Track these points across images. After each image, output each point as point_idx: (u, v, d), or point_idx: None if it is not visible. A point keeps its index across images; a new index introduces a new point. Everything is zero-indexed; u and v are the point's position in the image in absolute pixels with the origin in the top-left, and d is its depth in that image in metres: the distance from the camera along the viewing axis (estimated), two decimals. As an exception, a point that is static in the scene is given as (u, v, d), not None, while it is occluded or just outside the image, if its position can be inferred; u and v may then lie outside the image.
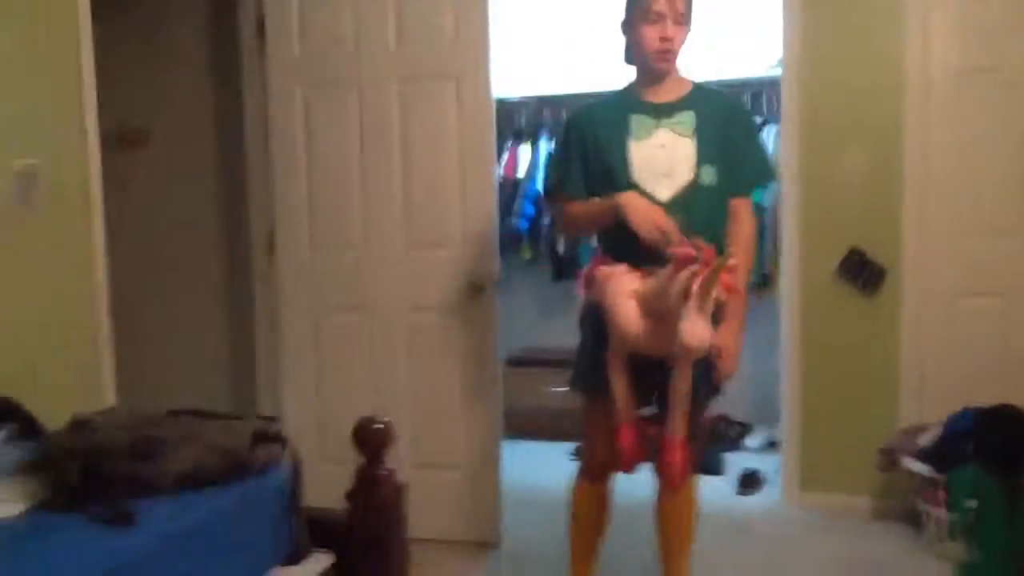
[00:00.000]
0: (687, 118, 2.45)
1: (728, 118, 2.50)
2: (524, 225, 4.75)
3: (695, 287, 2.05)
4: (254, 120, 3.48)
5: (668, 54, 2.43)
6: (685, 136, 2.43)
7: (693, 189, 2.41)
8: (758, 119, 4.39)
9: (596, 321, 2.47)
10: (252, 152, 3.51)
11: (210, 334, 3.74)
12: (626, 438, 2.42)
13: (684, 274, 2.08)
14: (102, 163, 2.63)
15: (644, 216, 2.31)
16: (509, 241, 4.69)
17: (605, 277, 2.41)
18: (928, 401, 3.47)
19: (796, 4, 3.51)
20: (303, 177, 3.42)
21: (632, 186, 2.41)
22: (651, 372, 2.38)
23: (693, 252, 2.10)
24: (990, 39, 3.35)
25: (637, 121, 2.46)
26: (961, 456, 3.16)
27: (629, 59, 2.54)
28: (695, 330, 2.07)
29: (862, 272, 3.54)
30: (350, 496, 2.01)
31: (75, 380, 2.56)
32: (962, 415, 3.28)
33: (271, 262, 3.52)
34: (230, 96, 3.54)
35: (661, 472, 2.51)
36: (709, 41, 4.23)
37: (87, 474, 1.61)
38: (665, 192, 2.40)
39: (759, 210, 4.28)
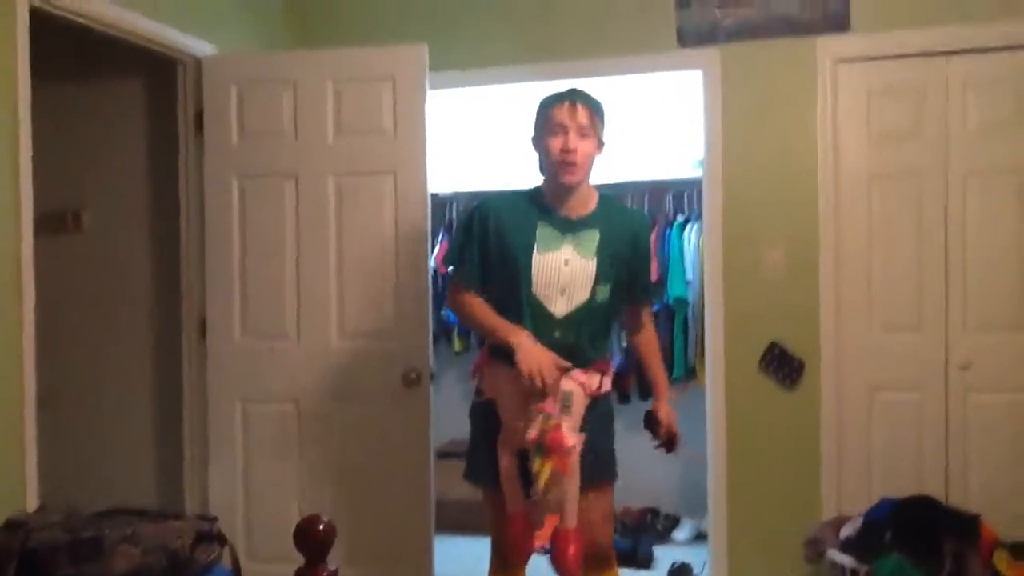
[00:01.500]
0: (591, 237, 2.54)
1: (631, 241, 2.62)
2: (453, 317, 4.79)
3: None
4: (189, 206, 3.47)
5: (571, 166, 2.48)
6: (587, 257, 2.52)
7: (587, 306, 2.52)
8: (681, 217, 4.58)
9: (486, 412, 2.59)
10: (186, 238, 3.47)
11: (137, 422, 3.63)
12: (515, 526, 2.47)
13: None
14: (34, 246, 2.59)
15: (532, 364, 2.39)
16: (440, 333, 4.72)
17: (493, 374, 2.55)
18: (848, 491, 3.56)
19: (716, 109, 3.70)
20: (236, 264, 3.40)
21: (530, 298, 2.49)
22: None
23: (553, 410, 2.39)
24: (895, 143, 3.57)
25: (544, 233, 2.53)
26: (881, 546, 3.24)
27: (541, 170, 2.63)
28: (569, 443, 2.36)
29: (782, 366, 3.66)
30: (291, 597, 1.96)
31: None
32: (880, 505, 3.37)
33: (201, 347, 3.46)
34: (166, 182, 3.53)
35: (556, 565, 2.48)
36: (633, 143, 4.45)
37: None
38: (561, 308, 2.51)
39: (682, 304, 4.45)
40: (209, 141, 3.41)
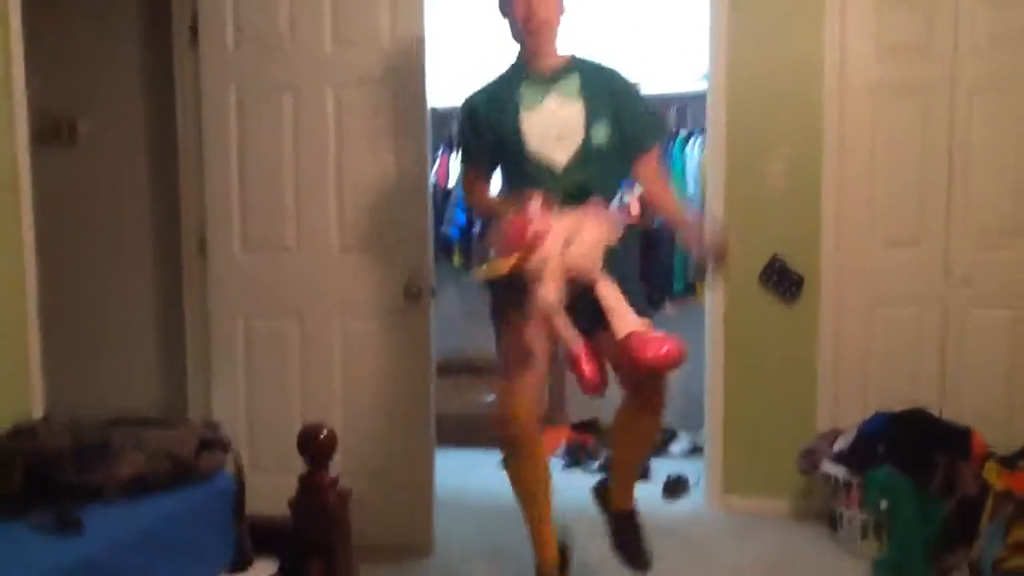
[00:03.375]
0: (573, 81, 2.61)
1: (609, 81, 2.67)
2: (455, 233, 4.78)
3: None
4: (186, 119, 3.41)
5: (534, 22, 2.58)
6: (573, 99, 2.60)
7: (585, 148, 2.57)
8: (684, 131, 4.53)
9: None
10: (184, 151, 3.44)
11: (140, 336, 3.64)
12: (585, 361, 2.45)
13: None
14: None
15: (518, 230, 2.42)
16: (440, 249, 4.71)
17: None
18: (844, 406, 3.62)
19: (721, 22, 3.63)
20: (235, 178, 3.36)
21: (531, 157, 2.57)
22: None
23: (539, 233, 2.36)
24: (902, 56, 3.52)
25: (526, 92, 2.63)
26: (874, 458, 3.30)
27: (513, 35, 2.70)
28: (545, 294, 2.36)
29: (782, 280, 3.67)
30: (294, 503, 2.00)
31: (2, 382, 2.48)
32: (874, 419, 3.44)
33: (202, 263, 3.45)
34: (162, 94, 3.47)
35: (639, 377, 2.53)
36: (637, 55, 4.36)
37: (31, 481, 1.57)
38: (562, 156, 2.57)
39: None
40: (205, 50, 3.33)
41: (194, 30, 3.35)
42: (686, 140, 4.47)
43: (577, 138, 2.57)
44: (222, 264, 3.41)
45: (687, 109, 4.58)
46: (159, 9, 3.44)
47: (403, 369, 3.34)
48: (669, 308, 4.46)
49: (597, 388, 2.52)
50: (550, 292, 2.37)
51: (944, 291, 3.54)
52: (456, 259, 4.87)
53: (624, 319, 2.43)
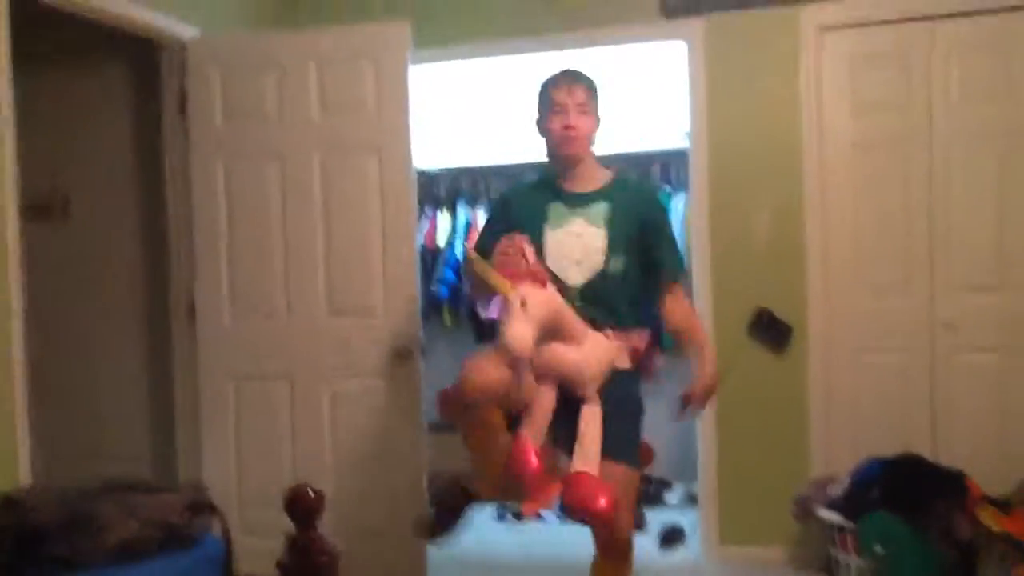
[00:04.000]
0: (601, 209, 2.61)
1: (644, 211, 2.65)
2: (444, 292, 4.82)
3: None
4: (176, 188, 3.49)
5: (571, 140, 2.60)
6: (598, 226, 2.59)
7: (602, 276, 2.56)
8: (667, 188, 4.60)
9: None
10: (173, 220, 3.50)
11: (130, 402, 3.67)
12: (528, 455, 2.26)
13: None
14: (20, 233, 2.61)
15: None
16: (430, 308, 4.75)
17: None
18: (837, 452, 3.61)
19: (700, 80, 3.72)
20: (224, 245, 3.43)
21: (546, 271, 2.46)
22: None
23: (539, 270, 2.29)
24: (878, 112, 3.60)
25: (554, 209, 2.63)
26: (869, 504, 3.30)
27: (548, 153, 2.72)
28: (515, 331, 2.12)
29: (770, 330, 3.70)
30: (283, 564, 2.01)
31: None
32: (868, 465, 3.44)
33: (191, 328, 3.49)
34: (151, 166, 3.54)
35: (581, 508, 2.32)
36: (620, 115, 4.45)
37: (20, 553, 1.58)
38: (577, 278, 2.56)
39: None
40: (194, 124, 3.42)
41: (183, 103, 3.44)
42: (670, 197, 4.55)
43: (596, 265, 2.56)
44: (211, 329, 3.45)
45: (671, 166, 4.66)
46: (148, 83, 3.53)
47: (394, 428, 3.36)
48: (659, 361, 4.47)
49: (529, 479, 2.27)
50: (523, 333, 2.13)
51: (930, 337, 3.58)
52: (446, 317, 4.90)
53: (586, 455, 2.30)
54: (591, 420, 2.35)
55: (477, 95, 4.86)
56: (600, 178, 2.68)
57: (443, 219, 4.96)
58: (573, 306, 2.45)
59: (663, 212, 2.82)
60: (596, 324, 2.50)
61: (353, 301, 3.37)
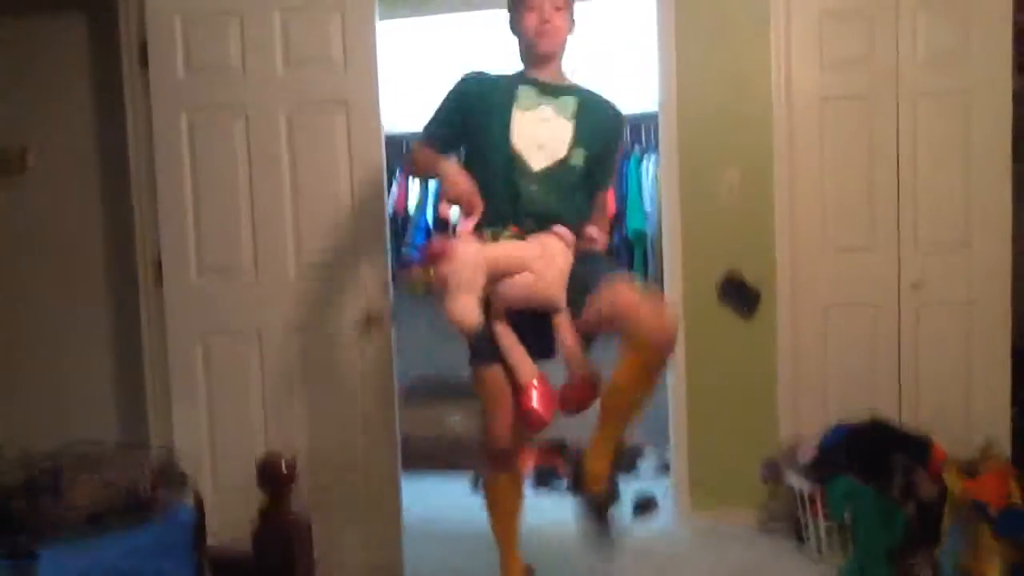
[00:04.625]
0: (570, 102, 2.66)
1: (604, 118, 2.73)
2: (415, 255, 4.77)
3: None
4: (138, 144, 3.40)
5: (547, 35, 2.61)
6: (565, 117, 2.63)
7: (563, 165, 2.61)
8: (639, 150, 4.58)
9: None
10: (136, 178, 3.42)
11: (97, 363, 3.59)
12: (534, 391, 2.45)
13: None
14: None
15: (455, 184, 2.52)
16: (401, 272, 4.69)
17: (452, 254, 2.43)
18: (806, 415, 3.63)
19: (669, 41, 3.68)
20: (189, 204, 3.35)
21: (511, 152, 2.58)
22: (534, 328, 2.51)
23: (442, 248, 2.38)
24: (846, 68, 3.59)
25: (524, 92, 2.65)
26: (836, 468, 3.32)
27: (521, 54, 2.73)
28: (453, 308, 2.31)
29: (740, 295, 3.69)
30: (255, 535, 1.96)
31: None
32: (835, 430, 3.45)
33: (157, 289, 3.41)
34: (113, 119, 3.45)
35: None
36: (593, 76, 4.40)
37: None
38: (538, 162, 2.59)
39: (641, 237, 4.46)
40: (155, 76, 3.32)
41: (143, 56, 3.34)
42: (641, 159, 4.52)
43: (558, 153, 2.61)
44: (179, 289, 3.37)
45: (641, 128, 4.63)
46: (107, 35, 3.43)
47: (366, 393, 3.32)
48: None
49: (541, 424, 2.48)
50: (466, 308, 2.32)
51: (897, 295, 3.59)
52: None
53: (576, 360, 2.49)
54: (566, 327, 2.47)
55: (448, 56, 4.79)
56: (565, 77, 2.73)
57: (413, 184, 4.89)
58: (530, 188, 2.55)
59: (620, 128, 2.89)
60: (550, 213, 2.55)
61: (322, 263, 3.31)
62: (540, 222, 2.55)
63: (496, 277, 2.43)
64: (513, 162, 2.58)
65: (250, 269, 3.34)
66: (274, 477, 1.95)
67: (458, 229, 2.50)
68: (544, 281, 2.46)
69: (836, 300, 3.65)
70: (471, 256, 2.38)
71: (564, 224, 2.57)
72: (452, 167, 2.59)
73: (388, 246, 3.36)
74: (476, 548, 3.23)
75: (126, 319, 3.53)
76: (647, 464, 4.61)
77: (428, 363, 4.89)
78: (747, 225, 3.67)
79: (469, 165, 2.66)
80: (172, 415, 3.41)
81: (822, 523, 3.34)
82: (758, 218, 3.65)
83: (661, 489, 4.12)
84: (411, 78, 4.67)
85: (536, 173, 2.58)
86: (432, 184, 4.84)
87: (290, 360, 3.34)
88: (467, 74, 2.74)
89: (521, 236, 2.52)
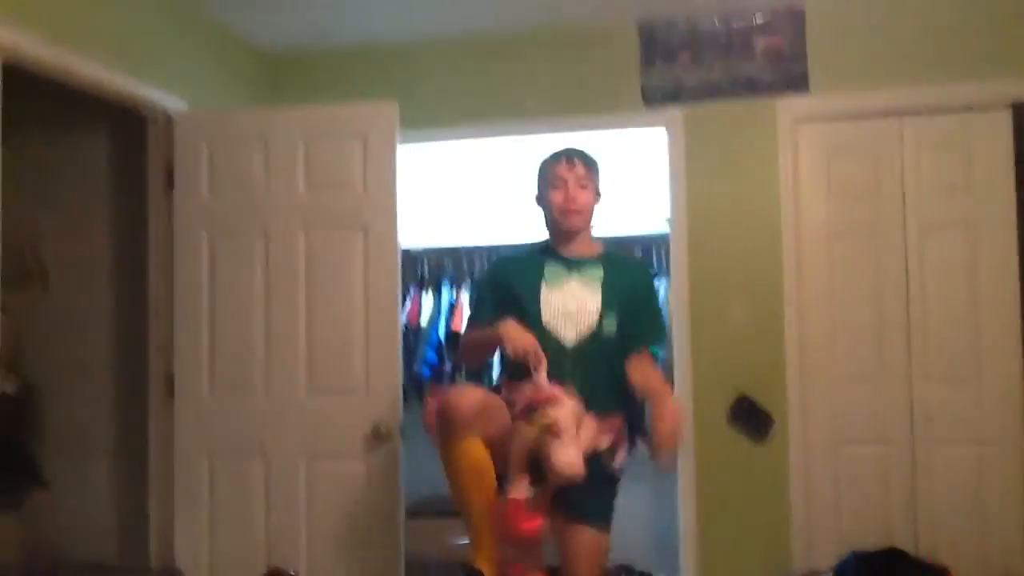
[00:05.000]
0: (597, 271, 2.68)
1: (634, 281, 2.73)
2: (427, 372, 4.78)
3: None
4: (157, 262, 3.46)
5: (573, 212, 2.66)
6: (593, 286, 2.64)
7: (596, 335, 2.59)
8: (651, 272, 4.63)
9: None
10: (154, 293, 3.46)
11: (102, 476, 3.59)
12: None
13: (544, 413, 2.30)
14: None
15: (516, 339, 2.46)
16: (411, 389, 4.69)
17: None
18: (819, 543, 3.57)
19: (679, 167, 3.78)
20: (205, 319, 3.39)
21: (542, 327, 2.56)
22: None
23: (551, 393, 2.34)
24: (854, 200, 3.67)
25: (551, 269, 2.68)
26: (852, 599, 3.25)
27: (547, 225, 2.76)
28: (565, 457, 2.24)
29: (751, 418, 3.68)
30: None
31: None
32: (849, 557, 3.39)
33: (168, 403, 3.42)
34: (131, 237, 3.53)
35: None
36: (606, 199, 4.50)
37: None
38: (571, 334, 2.58)
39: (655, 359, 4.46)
40: (180, 197, 3.42)
41: (169, 178, 3.44)
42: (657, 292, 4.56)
43: (590, 320, 2.59)
44: (190, 405, 3.39)
45: (652, 250, 4.69)
46: (133, 157, 3.52)
47: (371, 511, 3.28)
48: (640, 444, 4.43)
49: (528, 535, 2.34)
50: (575, 459, 2.25)
51: (909, 428, 3.57)
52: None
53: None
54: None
55: (461, 175, 4.91)
56: (595, 248, 2.76)
57: (426, 299, 4.94)
58: (564, 368, 2.49)
59: (651, 285, 2.89)
60: (588, 379, 2.51)
61: (334, 380, 3.33)
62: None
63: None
64: (546, 339, 2.53)
65: (261, 386, 3.35)
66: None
67: (537, 381, 2.41)
68: (579, 464, 2.31)
69: (849, 429, 3.64)
70: (575, 405, 2.38)
71: (599, 406, 2.50)
72: (510, 323, 2.52)
73: (400, 363, 3.38)
74: None
75: (135, 430, 3.51)
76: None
77: (435, 482, 4.83)
78: (757, 350, 3.68)
79: None
80: (175, 527, 3.37)
81: (837, 657, 3.23)
82: (769, 344, 3.67)
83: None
84: (425, 196, 4.78)
85: (569, 349, 2.57)
86: (445, 298, 4.89)
87: (295, 477, 3.31)
88: (496, 260, 2.89)
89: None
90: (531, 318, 2.58)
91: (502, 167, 4.77)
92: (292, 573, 1.97)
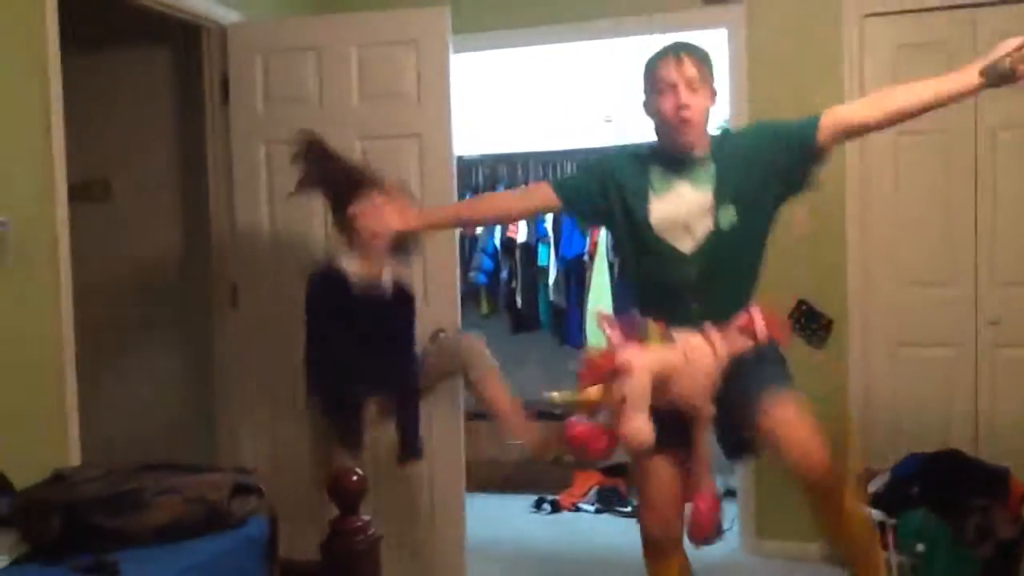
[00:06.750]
0: (707, 170, 2.39)
1: (750, 147, 2.44)
2: (483, 279, 4.83)
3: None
4: (217, 174, 3.51)
5: (687, 123, 2.35)
6: (703, 187, 2.38)
7: (714, 237, 2.36)
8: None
9: None
10: (215, 206, 3.53)
11: (171, 385, 3.72)
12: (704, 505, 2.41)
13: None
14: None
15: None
16: (468, 295, 4.75)
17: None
18: (876, 448, 3.57)
19: (742, 67, 3.68)
20: (266, 230, 3.45)
21: (654, 240, 2.40)
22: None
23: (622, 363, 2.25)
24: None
25: (658, 176, 2.44)
26: (908, 500, 3.26)
27: (657, 130, 2.48)
28: (627, 429, 2.21)
29: (810, 323, 3.66)
30: (324, 547, 2.02)
31: (42, 430, 2.54)
32: (908, 460, 3.39)
33: (233, 314, 3.51)
34: (193, 148, 3.57)
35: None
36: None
37: (68, 528, 1.61)
38: (687, 245, 2.38)
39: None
40: (235, 108, 3.44)
41: (225, 90, 3.46)
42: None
43: (705, 227, 2.36)
44: (253, 315, 3.47)
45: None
46: (190, 70, 3.56)
47: (433, 415, 3.35)
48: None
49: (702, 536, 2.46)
50: (641, 429, 2.21)
51: (973, 332, 3.52)
52: (484, 305, 4.91)
53: (702, 476, 2.42)
54: (702, 440, 2.39)
55: (516, 81, 4.85)
56: (705, 143, 2.43)
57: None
58: (684, 273, 2.37)
59: (774, 134, 2.47)
60: (708, 299, 2.37)
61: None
62: (705, 308, 2.38)
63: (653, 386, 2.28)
64: (661, 250, 2.39)
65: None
66: (345, 489, 2.00)
67: (612, 340, 2.35)
68: (686, 389, 2.30)
69: (910, 335, 3.61)
70: (645, 370, 2.24)
71: (729, 308, 2.39)
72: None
73: (457, 271, 3.43)
74: (537, 570, 3.25)
75: (201, 342, 3.63)
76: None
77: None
78: (818, 256, 3.64)
79: (629, 257, 2.56)
80: (240, 435, 3.50)
81: (893, 556, 3.27)
82: (830, 249, 3.62)
83: (727, 515, 4.08)
84: (479, 103, 4.74)
85: (688, 256, 2.37)
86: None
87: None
88: (610, 155, 2.66)
89: (667, 336, 2.36)
90: (641, 228, 2.41)
91: (556, 72, 4.70)
92: (360, 474, 2.04)
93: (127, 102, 3.72)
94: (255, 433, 3.48)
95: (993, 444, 3.46)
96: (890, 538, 3.27)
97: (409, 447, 2.83)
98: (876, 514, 3.31)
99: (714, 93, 2.43)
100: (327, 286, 2.71)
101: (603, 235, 4.63)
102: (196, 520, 1.74)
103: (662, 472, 2.48)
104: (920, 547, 3.17)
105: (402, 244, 2.73)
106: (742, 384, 2.34)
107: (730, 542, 3.87)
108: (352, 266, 2.67)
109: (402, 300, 2.82)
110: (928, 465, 3.33)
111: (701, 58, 2.39)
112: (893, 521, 3.26)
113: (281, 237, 3.44)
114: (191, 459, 3.47)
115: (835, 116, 2.43)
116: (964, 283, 3.53)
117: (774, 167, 2.40)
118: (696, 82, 2.35)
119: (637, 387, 2.22)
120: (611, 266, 4.58)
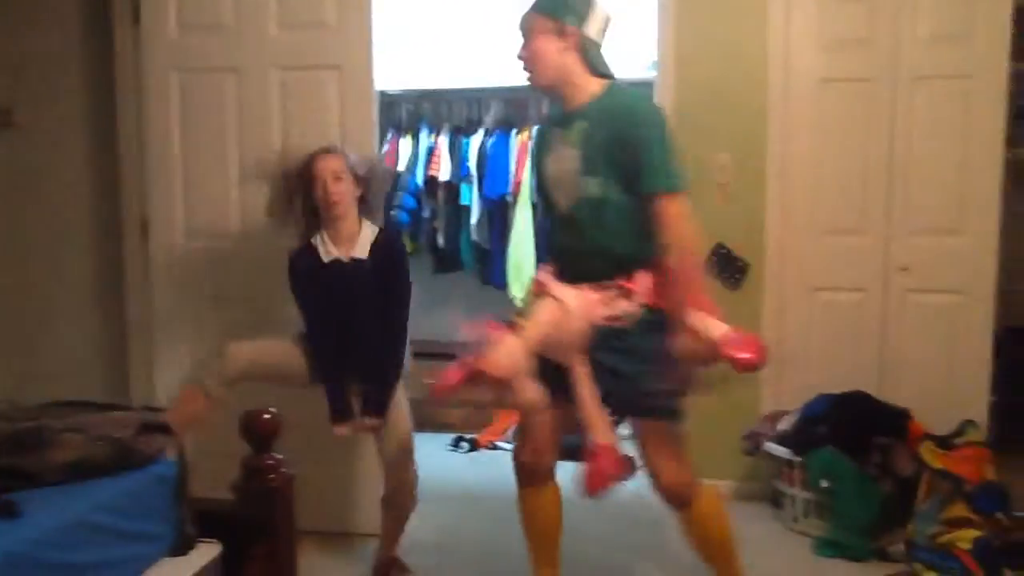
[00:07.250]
0: (580, 128, 2.37)
1: (619, 126, 2.33)
2: (405, 218, 4.76)
3: None
4: (126, 103, 3.37)
5: (528, 71, 2.46)
6: (573, 148, 2.37)
7: (584, 203, 2.36)
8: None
9: None
10: (125, 137, 3.39)
11: (80, 320, 3.61)
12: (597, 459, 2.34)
13: None
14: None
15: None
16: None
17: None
18: (787, 389, 3.68)
19: (668, 11, 3.65)
20: (178, 163, 3.33)
21: (548, 195, 2.51)
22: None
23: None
24: (845, 49, 3.58)
25: (552, 133, 2.49)
26: (816, 439, 3.38)
27: None
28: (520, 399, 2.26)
29: (726, 267, 3.72)
30: (237, 486, 2.00)
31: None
32: (817, 401, 3.51)
33: (144, 247, 3.40)
34: (103, 79, 3.42)
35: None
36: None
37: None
38: (562, 201, 2.43)
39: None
40: (147, 34, 3.29)
41: (136, 14, 3.30)
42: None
43: (573, 191, 2.37)
44: (165, 249, 3.36)
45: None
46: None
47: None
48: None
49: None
50: (530, 395, 2.26)
51: (884, 278, 3.62)
52: (406, 244, 4.84)
53: (596, 427, 2.33)
54: (583, 382, 2.33)
55: (441, 15, 4.75)
56: (589, 93, 2.40)
57: (404, 144, 4.87)
58: (562, 237, 2.47)
59: (641, 125, 2.33)
60: (583, 260, 2.39)
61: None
62: (575, 270, 2.40)
63: (541, 349, 2.29)
64: (551, 205, 2.48)
65: (237, 231, 3.32)
66: (257, 428, 1.99)
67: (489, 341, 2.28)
68: (555, 343, 2.31)
69: (824, 281, 3.69)
70: (512, 358, 2.21)
71: (608, 269, 2.36)
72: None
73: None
74: (454, 510, 3.25)
75: (111, 274, 3.53)
76: (624, 428, 4.66)
77: (413, 327, 4.90)
78: (737, 200, 3.68)
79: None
80: (154, 371, 3.42)
81: (799, 493, 3.40)
82: (749, 194, 3.66)
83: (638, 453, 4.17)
84: (403, 38, 4.63)
85: (563, 217, 2.43)
86: (423, 144, 4.82)
87: (273, 323, 3.32)
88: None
89: (539, 292, 2.42)
90: (541, 180, 2.55)
91: (482, 7, 4.61)
92: (273, 413, 2.01)
93: (31, 26, 3.52)
94: (171, 368, 3.39)
95: (896, 386, 3.59)
96: (797, 475, 3.40)
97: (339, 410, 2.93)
98: (784, 452, 3.44)
99: (563, 33, 2.39)
100: (303, 264, 2.86)
101: (526, 176, 4.59)
102: (102, 459, 1.69)
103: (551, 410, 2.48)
104: (825, 483, 3.30)
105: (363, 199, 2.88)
106: (622, 368, 2.36)
107: (642, 479, 3.97)
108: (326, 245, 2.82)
109: (390, 255, 2.99)
110: (836, 406, 3.45)
111: (538, 8, 2.45)
112: (801, 459, 3.38)
113: (192, 170, 3.32)
114: (103, 397, 3.44)
115: (665, 214, 2.32)
116: (876, 230, 3.62)
117: (622, 155, 2.33)
118: (531, 31, 2.43)
119: (506, 374, 2.21)
120: (534, 207, 4.56)
